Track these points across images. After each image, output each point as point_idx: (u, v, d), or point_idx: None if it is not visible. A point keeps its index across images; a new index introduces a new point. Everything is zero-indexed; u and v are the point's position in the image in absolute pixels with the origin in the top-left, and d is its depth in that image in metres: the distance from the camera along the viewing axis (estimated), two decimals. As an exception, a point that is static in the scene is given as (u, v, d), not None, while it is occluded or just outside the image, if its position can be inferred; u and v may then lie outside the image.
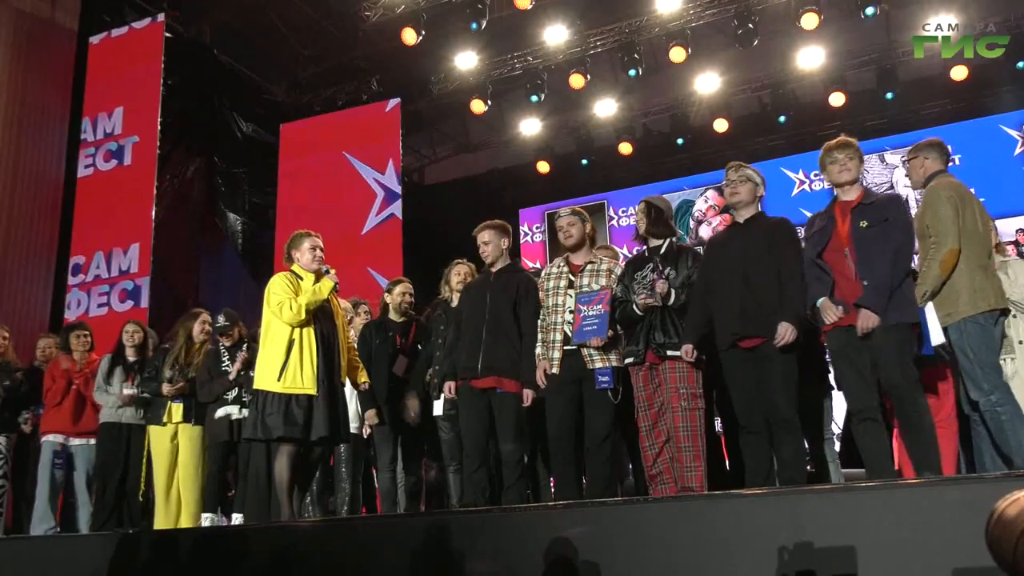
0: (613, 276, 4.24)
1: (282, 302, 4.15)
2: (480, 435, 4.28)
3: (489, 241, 4.46)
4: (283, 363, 4.09)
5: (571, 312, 4.19)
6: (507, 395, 4.23)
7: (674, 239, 4.22)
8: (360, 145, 9.76)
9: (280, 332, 4.17)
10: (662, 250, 4.12)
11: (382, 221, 9.43)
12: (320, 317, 4.26)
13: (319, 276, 4.36)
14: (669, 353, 3.88)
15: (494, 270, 4.46)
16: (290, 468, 4.12)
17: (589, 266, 4.28)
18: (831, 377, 4.66)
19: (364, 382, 4.53)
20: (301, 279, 4.32)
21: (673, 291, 3.93)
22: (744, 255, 3.81)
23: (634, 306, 3.96)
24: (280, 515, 4.15)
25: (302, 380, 4.10)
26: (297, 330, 4.16)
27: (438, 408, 4.85)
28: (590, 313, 4.09)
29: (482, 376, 4.23)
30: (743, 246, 3.84)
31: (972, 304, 3.51)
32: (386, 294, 5.36)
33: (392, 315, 5.18)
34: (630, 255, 5.18)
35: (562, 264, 4.38)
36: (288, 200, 9.98)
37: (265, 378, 4.14)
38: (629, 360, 4.02)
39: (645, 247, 4.21)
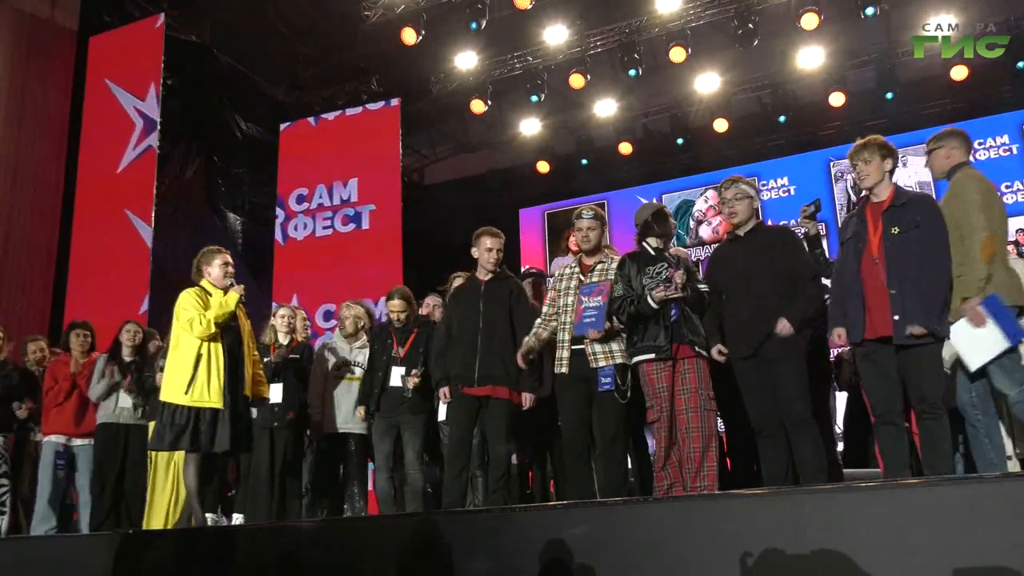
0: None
1: (192, 317, 4.30)
2: (467, 438, 4.29)
3: (500, 248, 4.45)
4: (191, 377, 4.25)
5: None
6: (500, 401, 4.24)
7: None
8: (360, 145, 9.75)
9: (189, 346, 4.32)
10: (666, 252, 4.13)
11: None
12: (226, 332, 4.40)
13: (227, 292, 4.49)
14: (698, 349, 3.88)
15: (487, 278, 4.44)
16: (198, 476, 4.31)
17: (599, 265, 4.26)
18: (834, 377, 4.67)
19: (266, 398, 4.71)
20: (210, 295, 4.45)
21: (689, 287, 3.92)
22: (747, 269, 3.84)
23: (648, 299, 3.87)
24: (196, 519, 4.29)
25: (209, 394, 4.25)
26: (205, 344, 4.31)
27: (443, 413, 4.86)
28: (590, 305, 4.06)
29: (479, 385, 4.23)
30: (745, 260, 3.88)
31: (1008, 296, 3.42)
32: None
33: (394, 322, 5.17)
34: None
35: (574, 265, 4.36)
36: (288, 199, 9.96)
37: (172, 391, 4.29)
38: (649, 356, 3.90)
39: (648, 247, 4.15)
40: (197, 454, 4.30)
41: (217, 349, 4.33)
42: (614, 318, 4.03)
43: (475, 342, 4.26)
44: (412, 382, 4.88)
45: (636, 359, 3.94)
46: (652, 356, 3.88)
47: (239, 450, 4.45)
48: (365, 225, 9.41)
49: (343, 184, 9.56)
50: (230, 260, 4.57)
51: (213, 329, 4.30)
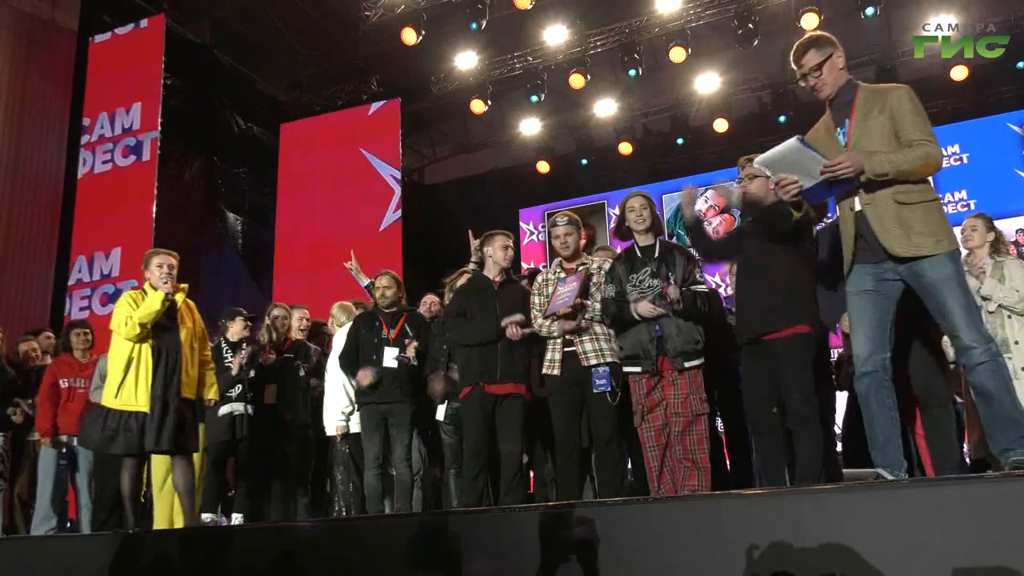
0: (603, 273, 4.21)
1: (120, 321, 4.28)
2: (484, 441, 4.29)
3: (511, 247, 4.52)
4: (121, 380, 4.25)
5: None
6: (517, 399, 4.26)
7: (663, 236, 4.19)
8: (360, 144, 9.76)
9: (122, 350, 4.30)
10: (656, 252, 4.04)
11: (395, 220, 9.43)
12: (160, 333, 4.33)
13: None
14: (687, 364, 3.84)
15: (499, 278, 4.48)
16: (131, 480, 4.31)
17: (581, 268, 4.29)
18: (834, 377, 4.65)
19: (210, 399, 4.60)
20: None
21: (682, 299, 3.84)
22: (760, 252, 3.75)
23: (632, 310, 3.88)
24: (128, 525, 4.31)
25: (136, 397, 4.23)
26: (136, 347, 4.28)
27: (441, 412, 4.85)
28: (564, 290, 4.12)
29: (501, 382, 4.26)
30: (756, 245, 3.80)
31: (953, 239, 3.01)
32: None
33: (381, 306, 5.14)
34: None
35: (558, 270, 4.39)
36: (288, 199, 9.99)
37: (107, 394, 4.31)
38: (635, 370, 3.92)
39: (634, 245, 4.12)
40: (133, 460, 4.30)
41: (147, 351, 4.28)
42: (597, 310, 4.08)
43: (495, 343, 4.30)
44: (412, 347, 4.88)
45: (625, 369, 3.98)
46: (638, 369, 3.90)
47: (179, 452, 4.36)
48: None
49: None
50: (171, 262, 4.44)
51: (138, 330, 4.24)
